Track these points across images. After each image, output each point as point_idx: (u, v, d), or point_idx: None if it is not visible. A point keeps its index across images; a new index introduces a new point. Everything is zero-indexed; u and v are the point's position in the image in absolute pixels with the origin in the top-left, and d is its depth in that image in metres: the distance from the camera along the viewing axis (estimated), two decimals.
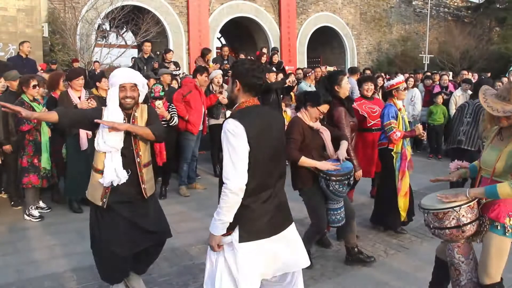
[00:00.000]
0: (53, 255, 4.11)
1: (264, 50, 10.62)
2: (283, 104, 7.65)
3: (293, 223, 2.54)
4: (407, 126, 4.58)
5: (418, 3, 24.62)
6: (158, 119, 3.29)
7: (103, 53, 12.87)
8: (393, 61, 22.10)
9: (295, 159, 3.48)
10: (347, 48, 21.75)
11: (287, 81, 7.16)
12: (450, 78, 10.74)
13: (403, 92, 4.53)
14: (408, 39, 23.50)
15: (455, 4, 26.99)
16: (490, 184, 2.53)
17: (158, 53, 12.82)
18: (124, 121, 3.02)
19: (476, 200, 2.59)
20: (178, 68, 9.36)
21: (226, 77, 7.30)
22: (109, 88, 3.13)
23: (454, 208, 2.54)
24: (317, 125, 3.67)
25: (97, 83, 5.72)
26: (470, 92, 7.55)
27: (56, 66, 10.63)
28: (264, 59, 9.84)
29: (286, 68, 11.72)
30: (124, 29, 16.58)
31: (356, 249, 3.87)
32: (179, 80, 8.10)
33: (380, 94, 8.52)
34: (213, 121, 7.00)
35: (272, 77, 7.34)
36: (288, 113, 7.83)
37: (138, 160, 3.04)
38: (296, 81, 8.15)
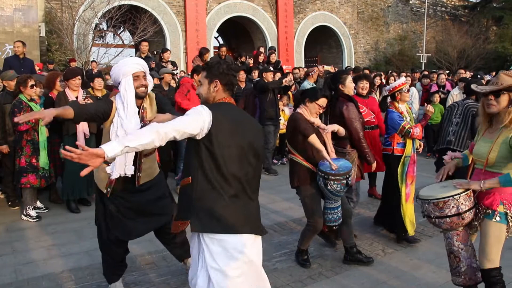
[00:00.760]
0: (50, 255, 4.10)
1: (262, 50, 10.60)
2: (280, 104, 7.64)
3: (260, 238, 2.50)
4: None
5: (415, 2, 24.66)
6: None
7: (100, 53, 12.84)
8: (391, 60, 22.13)
9: (307, 134, 3.57)
10: (345, 47, 21.77)
11: (283, 80, 7.13)
12: (446, 76, 10.74)
13: (406, 94, 4.40)
14: (406, 38, 23.55)
15: (452, 3, 27.07)
16: (483, 175, 2.70)
17: (156, 52, 12.80)
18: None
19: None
20: (175, 68, 9.35)
21: None
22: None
23: (454, 197, 2.67)
24: (317, 121, 3.69)
25: (91, 83, 5.71)
26: None
27: (53, 66, 10.61)
28: (261, 58, 9.83)
29: (284, 67, 11.71)
30: (121, 29, 16.55)
31: (354, 249, 3.87)
32: (176, 80, 8.10)
33: (377, 93, 8.58)
34: None
35: (269, 76, 7.31)
36: (286, 112, 7.83)
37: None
38: (293, 81, 8.13)
